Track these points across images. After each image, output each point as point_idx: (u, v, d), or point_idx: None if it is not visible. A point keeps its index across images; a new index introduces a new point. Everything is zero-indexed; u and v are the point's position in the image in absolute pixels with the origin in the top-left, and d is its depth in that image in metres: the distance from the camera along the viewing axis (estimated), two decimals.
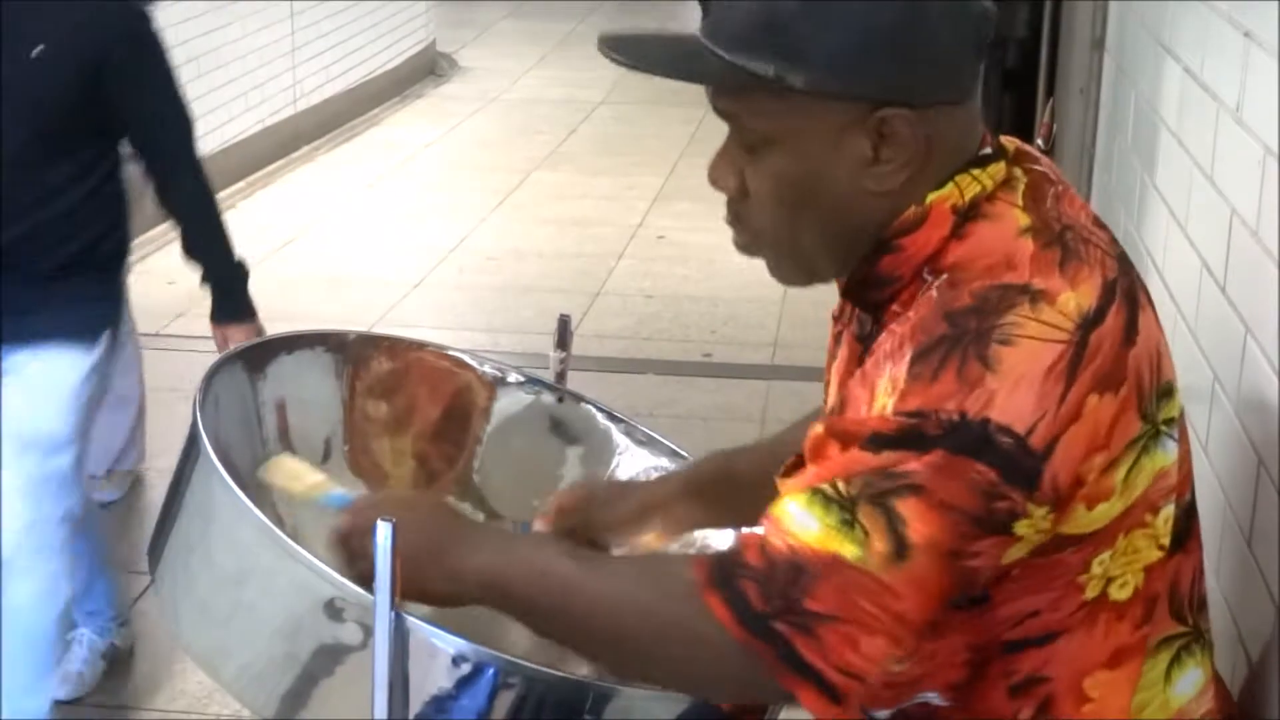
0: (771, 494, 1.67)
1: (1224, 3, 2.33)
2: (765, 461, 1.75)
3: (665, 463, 1.97)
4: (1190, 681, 1.46)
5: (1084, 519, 1.33)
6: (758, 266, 1.51)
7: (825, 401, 1.59)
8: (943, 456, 1.26)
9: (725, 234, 1.50)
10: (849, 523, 1.27)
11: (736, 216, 1.45)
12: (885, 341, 1.34)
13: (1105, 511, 1.34)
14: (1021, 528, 1.30)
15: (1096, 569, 1.37)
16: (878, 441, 1.28)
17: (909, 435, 1.27)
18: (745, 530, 1.35)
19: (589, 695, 1.45)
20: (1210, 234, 2.31)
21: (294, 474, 1.68)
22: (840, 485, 1.29)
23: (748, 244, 1.46)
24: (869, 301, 1.43)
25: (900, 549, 1.26)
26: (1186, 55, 2.66)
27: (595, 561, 1.45)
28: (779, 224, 1.42)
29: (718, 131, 1.44)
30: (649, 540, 1.79)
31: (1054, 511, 1.31)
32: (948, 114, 1.38)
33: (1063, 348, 1.28)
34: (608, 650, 1.41)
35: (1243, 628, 1.88)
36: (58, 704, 3.17)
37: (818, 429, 1.35)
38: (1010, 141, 1.46)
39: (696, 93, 1.45)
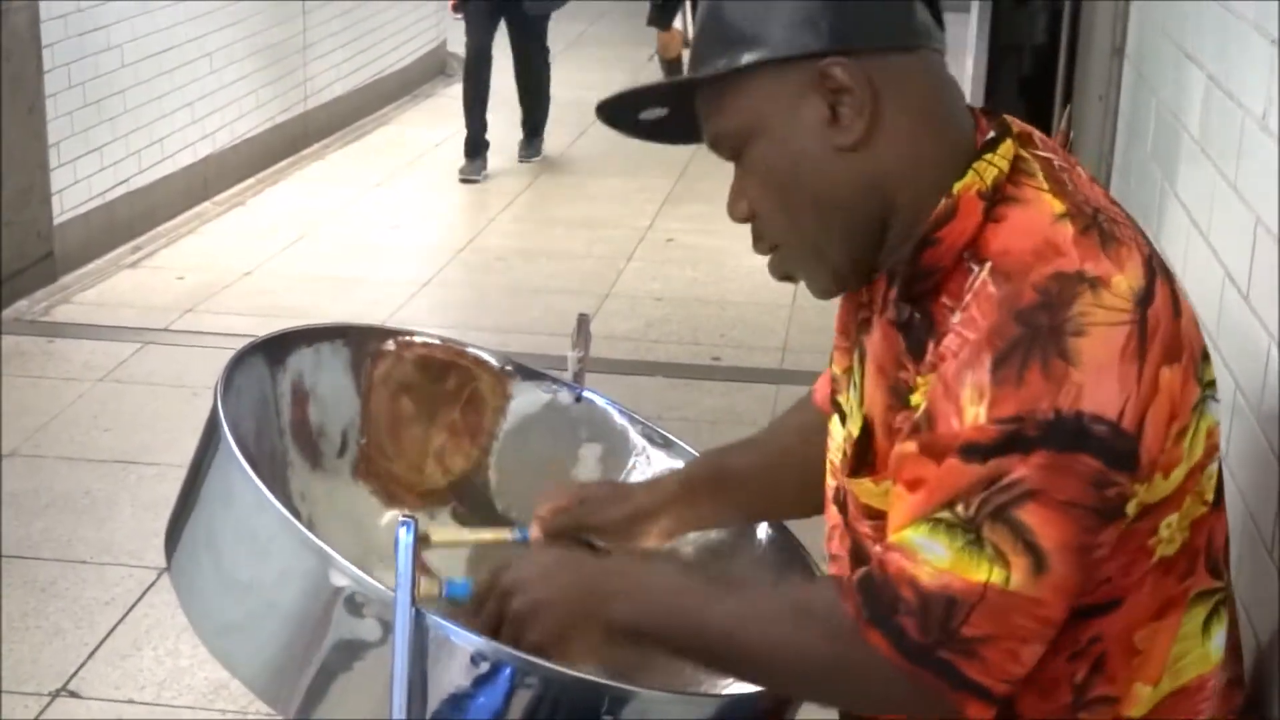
0: (765, 489, 1.78)
1: (1250, 8, 2.32)
2: (758, 458, 1.83)
3: (681, 464, 1.95)
4: (1221, 639, 1.50)
5: (1161, 486, 1.39)
6: (766, 270, 1.53)
7: (841, 387, 1.59)
8: (1048, 456, 1.31)
9: (734, 237, 1.53)
10: (976, 543, 1.32)
11: (758, 237, 1.52)
12: (952, 344, 1.37)
13: (1177, 476, 1.40)
14: (1130, 508, 1.37)
15: (1164, 532, 1.42)
16: (980, 451, 1.33)
17: (1010, 440, 1.31)
18: (884, 553, 1.38)
19: (605, 696, 1.44)
20: (1233, 242, 2.30)
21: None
22: (959, 509, 1.33)
23: (776, 262, 1.52)
24: (916, 294, 1.45)
25: (1039, 561, 1.32)
26: (1210, 63, 2.64)
27: (744, 599, 1.47)
28: (780, 219, 1.48)
29: None
30: (648, 543, 1.79)
31: (1149, 485, 1.37)
32: (896, 62, 1.43)
33: (1129, 328, 1.33)
34: (770, 684, 1.48)
35: (1261, 637, 1.86)
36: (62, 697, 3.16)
37: (909, 447, 1.38)
38: (1009, 120, 1.49)
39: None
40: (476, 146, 7.92)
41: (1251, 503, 2.01)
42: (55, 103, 5.98)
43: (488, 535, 1.80)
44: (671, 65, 8.76)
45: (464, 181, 7.81)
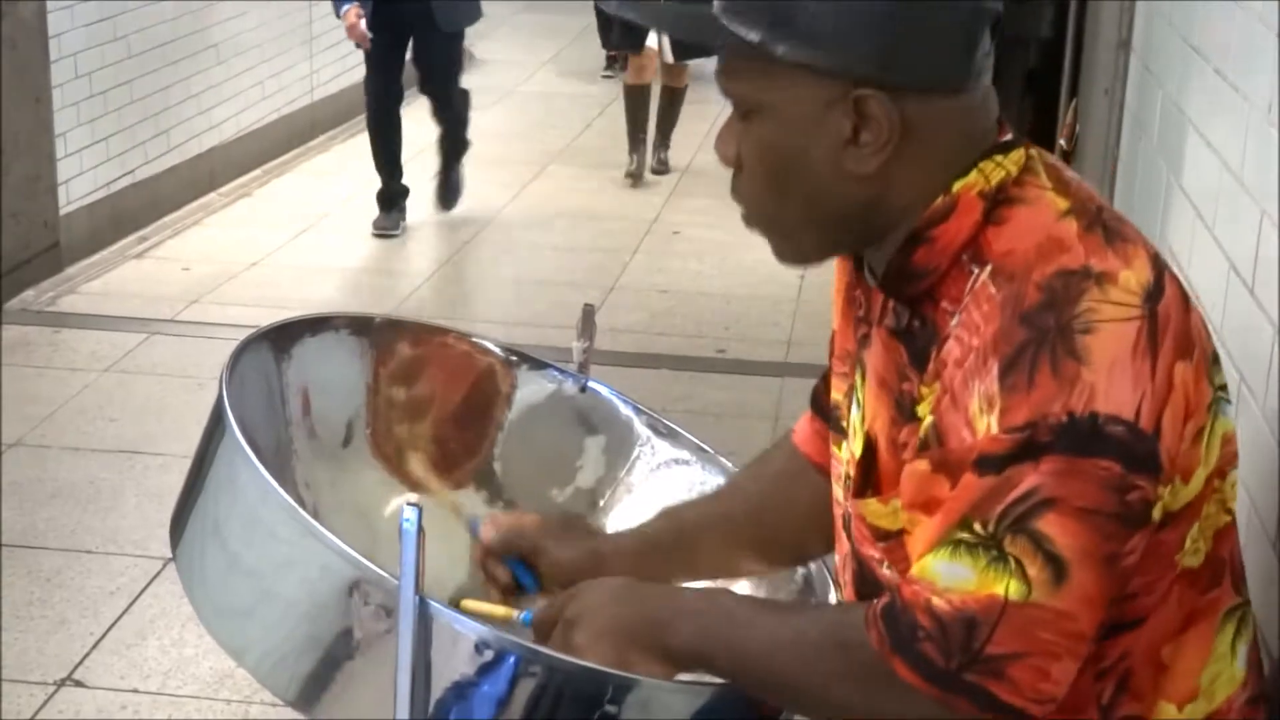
0: (718, 542, 1.72)
1: (1258, 4, 2.32)
2: (711, 510, 1.77)
3: (687, 455, 1.95)
4: (1244, 656, 1.46)
5: (1182, 492, 1.34)
6: (772, 263, 1.52)
7: (844, 411, 1.55)
8: (1062, 461, 1.26)
9: (739, 231, 1.51)
10: (999, 560, 1.28)
11: (734, 188, 1.47)
12: (954, 352, 1.33)
13: (1196, 481, 1.35)
14: (1156, 513, 1.31)
15: (1189, 545, 1.37)
16: (994, 463, 1.28)
17: (1023, 448, 1.27)
18: (904, 582, 1.35)
19: (609, 685, 1.44)
20: (1238, 235, 2.30)
21: (487, 606, 1.67)
22: (977, 527, 1.29)
23: (745, 217, 1.48)
24: (906, 295, 1.41)
25: (1059, 571, 1.27)
26: (1217, 56, 2.64)
27: (783, 625, 1.44)
28: (764, 196, 1.43)
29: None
30: None
31: (1171, 489, 1.32)
32: (936, 103, 1.37)
33: (1139, 324, 1.28)
34: (809, 712, 1.46)
35: (1266, 633, 1.86)
36: (67, 687, 3.16)
37: (921, 466, 1.35)
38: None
39: (712, 89, 1.46)
40: (391, 197, 6.89)
41: (1256, 498, 2.01)
42: (62, 93, 5.98)
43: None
44: (639, 92, 7.83)
45: (379, 236, 6.79)
